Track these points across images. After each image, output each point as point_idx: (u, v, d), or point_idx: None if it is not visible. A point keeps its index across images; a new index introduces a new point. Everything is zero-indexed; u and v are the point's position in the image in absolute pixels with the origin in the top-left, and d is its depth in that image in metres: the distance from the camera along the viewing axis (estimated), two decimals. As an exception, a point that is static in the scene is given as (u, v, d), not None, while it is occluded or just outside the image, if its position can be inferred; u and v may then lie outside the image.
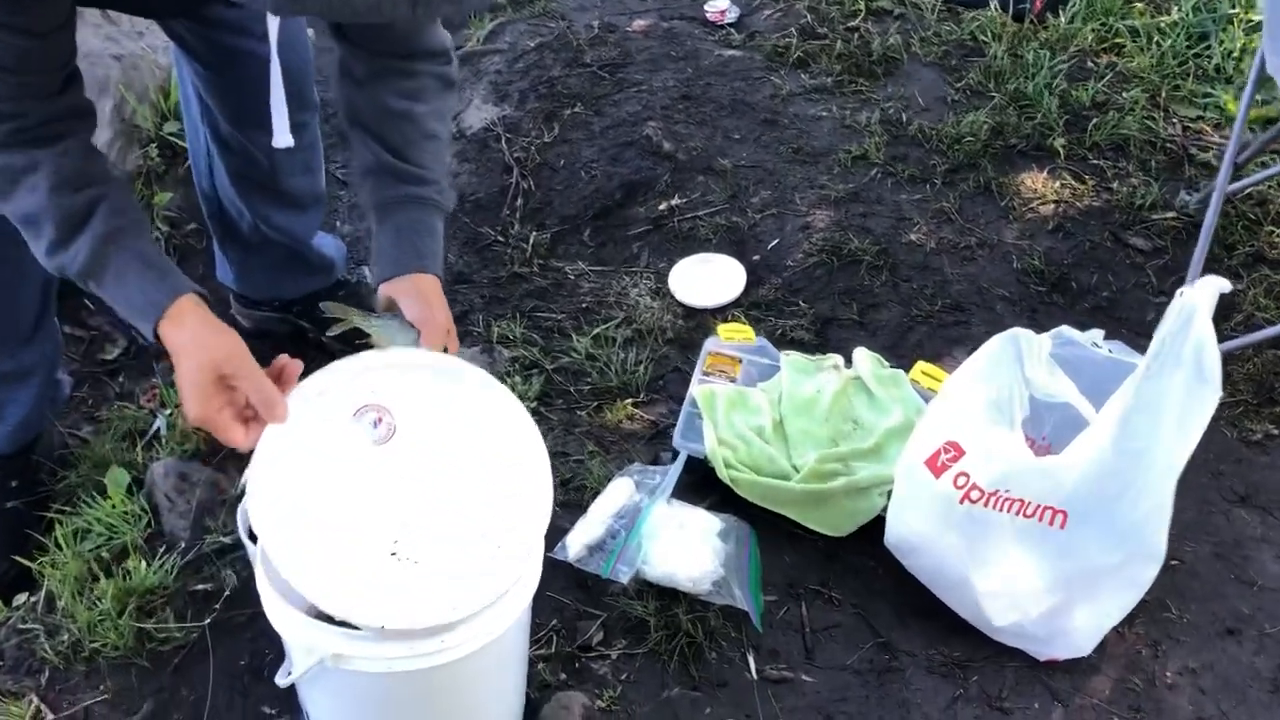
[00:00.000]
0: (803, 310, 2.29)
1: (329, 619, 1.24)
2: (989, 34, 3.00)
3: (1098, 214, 2.49)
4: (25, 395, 1.78)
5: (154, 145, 2.60)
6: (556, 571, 1.70)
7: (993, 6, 3.05)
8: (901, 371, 2.00)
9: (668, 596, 1.68)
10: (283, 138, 1.60)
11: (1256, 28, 2.87)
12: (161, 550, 1.72)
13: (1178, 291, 1.52)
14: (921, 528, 1.69)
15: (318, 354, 2.28)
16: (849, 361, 2.04)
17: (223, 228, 2.10)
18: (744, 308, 2.32)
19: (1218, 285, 1.51)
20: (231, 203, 2.04)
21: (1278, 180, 2.50)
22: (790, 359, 2.00)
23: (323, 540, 1.26)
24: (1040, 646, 1.68)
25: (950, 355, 2.17)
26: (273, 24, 1.43)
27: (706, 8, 3.20)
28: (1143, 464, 1.54)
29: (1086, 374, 1.76)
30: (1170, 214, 2.47)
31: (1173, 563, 1.79)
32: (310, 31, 2.22)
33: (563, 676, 1.60)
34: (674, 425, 2.01)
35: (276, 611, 1.30)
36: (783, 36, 3.07)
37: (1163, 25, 2.99)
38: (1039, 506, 1.62)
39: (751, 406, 1.92)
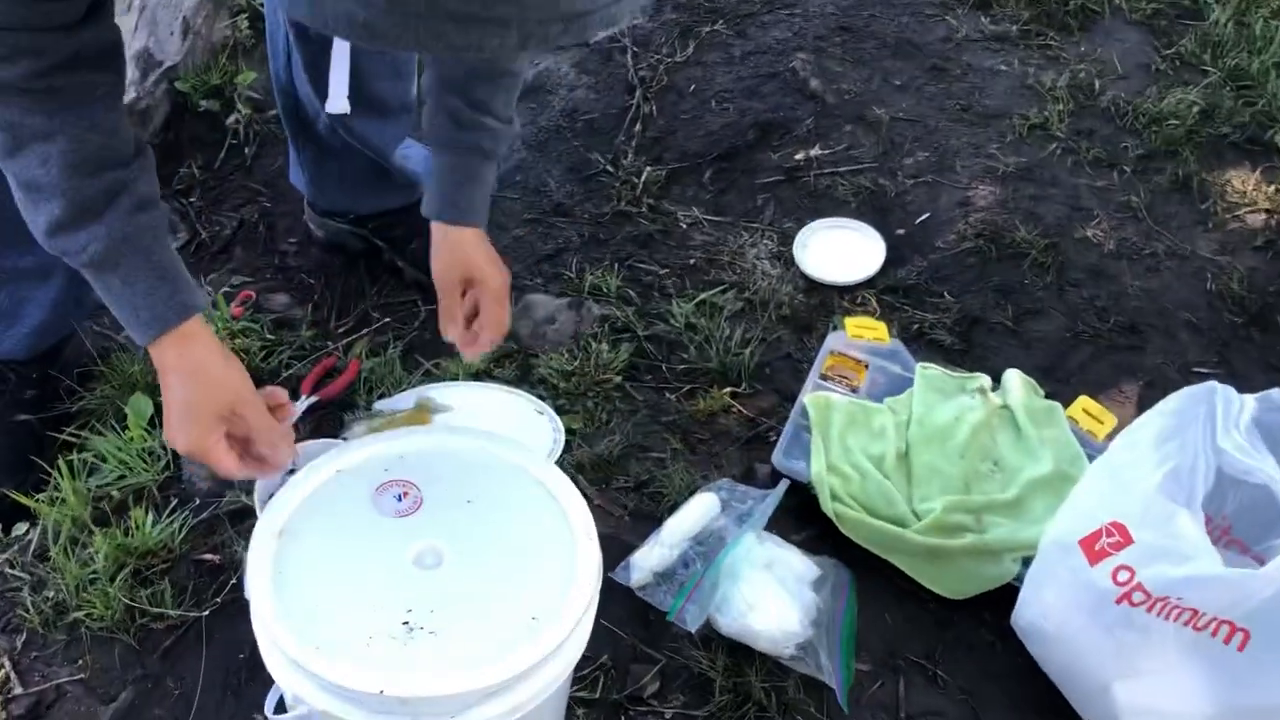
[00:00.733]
0: (947, 304, 1.95)
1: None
2: (1212, -6, 2.56)
3: (1319, 234, 2.09)
4: (44, 296, 1.56)
5: (244, 15, 2.34)
6: (614, 595, 1.45)
7: (1222, -39, 2.59)
8: (1059, 405, 1.66)
9: (740, 653, 1.41)
10: (339, 103, 1.44)
11: None
12: (174, 503, 1.51)
13: None
14: (1062, 617, 1.39)
15: (391, 278, 2.03)
16: (996, 382, 1.71)
17: (298, 125, 1.84)
18: (877, 290, 2.00)
19: None
20: (309, 100, 1.78)
21: None
22: (927, 373, 1.68)
23: (320, 603, 1.07)
24: (1185, 783, 1.38)
25: (1117, 388, 1.82)
26: None
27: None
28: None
29: (1294, 450, 1.42)
30: None
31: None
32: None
33: (605, 732, 1.35)
34: (775, 430, 1.72)
35: (262, 640, 1.07)
36: (966, -32, 2.65)
37: None
38: (1215, 620, 1.30)
39: (874, 428, 1.61)
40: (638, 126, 2.32)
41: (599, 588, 1.11)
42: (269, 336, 1.82)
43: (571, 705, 1.36)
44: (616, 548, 1.49)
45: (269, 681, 1.10)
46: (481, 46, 0.69)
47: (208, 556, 1.44)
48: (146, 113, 2.17)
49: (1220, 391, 1.43)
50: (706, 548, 1.47)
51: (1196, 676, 1.34)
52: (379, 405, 1.66)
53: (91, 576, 1.39)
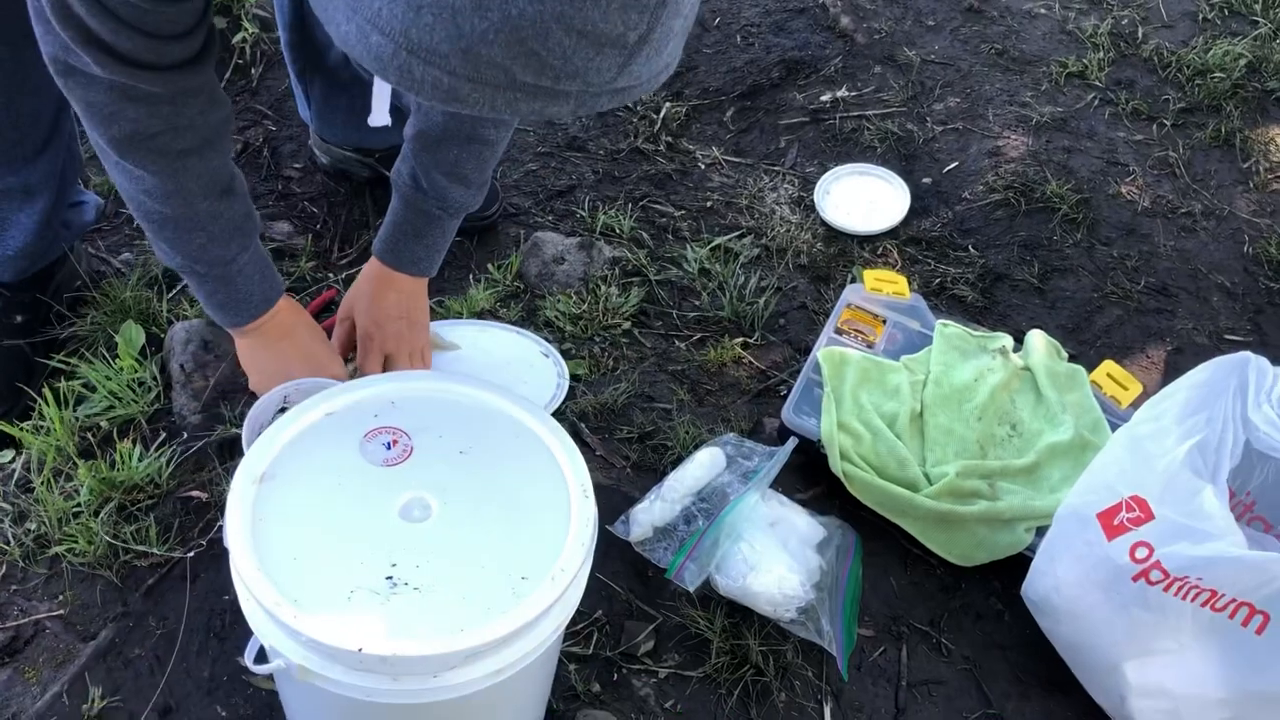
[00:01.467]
0: (971, 259, 1.88)
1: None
2: (1267, -61, 2.43)
3: (1363, 198, 1.99)
4: (28, 218, 1.50)
5: (253, -70, 2.25)
6: (612, 549, 1.41)
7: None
8: (1082, 369, 1.60)
9: (739, 613, 1.37)
10: (381, 116, 1.40)
11: None
12: (162, 436, 1.46)
13: None
14: (1074, 592, 1.34)
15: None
16: (1019, 343, 1.65)
17: (306, 59, 1.77)
18: (900, 241, 1.92)
19: None
20: (322, 29, 1.69)
21: None
22: (947, 331, 1.61)
23: (300, 554, 1.02)
24: (1192, 766, 1.34)
25: (1144, 352, 1.75)
26: None
27: None
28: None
29: (1326, 426, 1.36)
30: None
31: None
32: None
33: (596, 688, 1.31)
34: (786, 383, 1.66)
35: (240, 590, 1.03)
36: (1009, -96, 2.53)
37: None
38: (1234, 601, 1.25)
39: (889, 386, 1.55)
40: (658, 60, 2.23)
41: (593, 548, 1.07)
42: (268, 266, 1.76)
43: (563, 660, 1.32)
44: (616, 500, 1.44)
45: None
46: (543, 114, 0.77)
47: (195, 493, 1.40)
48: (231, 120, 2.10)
49: (1254, 362, 1.37)
50: (709, 505, 1.42)
51: (1211, 658, 1.29)
52: None
53: (75, 510, 1.35)
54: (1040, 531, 1.44)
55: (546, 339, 1.69)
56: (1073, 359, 1.65)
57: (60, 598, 1.31)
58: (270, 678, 1.24)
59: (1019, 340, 1.66)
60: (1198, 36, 2.25)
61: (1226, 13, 2.31)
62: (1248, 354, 1.36)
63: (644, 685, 1.32)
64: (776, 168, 2.07)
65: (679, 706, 1.31)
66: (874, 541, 1.48)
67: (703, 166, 2.07)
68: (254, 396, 1.51)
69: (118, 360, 1.53)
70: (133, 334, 1.55)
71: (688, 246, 1.87)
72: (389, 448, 1.12)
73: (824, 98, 2.14)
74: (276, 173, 2.02)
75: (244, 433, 1.32)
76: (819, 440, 1.49)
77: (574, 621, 1.35)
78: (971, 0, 2.31)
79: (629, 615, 1.38)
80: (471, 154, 1.40)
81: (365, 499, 1.08)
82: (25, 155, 1.44)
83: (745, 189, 2.02)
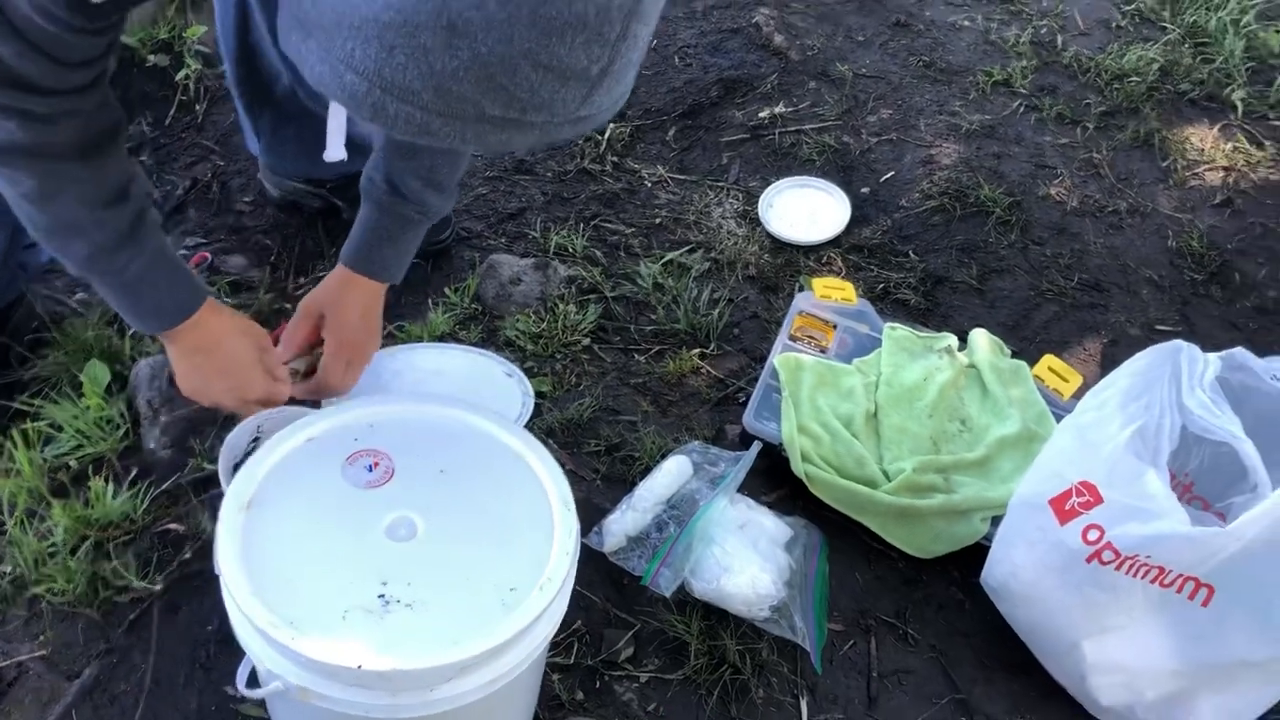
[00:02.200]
0: (912, 264, 1.95)
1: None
2: (1172, -51, 2.56)
3: (1275, 190, 2.10)
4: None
5: (192, -34, 2.26)
6: (587, 560, 1.44)
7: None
8: (1024, 364, 1.67)
9: (715, 615, 1.41)
10: (336, 151, 1.44)
11: None
12: (134, 472, 1.47)
13: None
14: (1031, 576, 1.40)
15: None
16: (963, 342, 1.72)
17: (254, 92, 1.78)
18: (843, 249, 1.99)
19: None
20: (270, 62, 1.72)
21: None
22: (895, 334, 1.68)
23: (293, 577, 1.04)
24: (1149, 736, 1.41)
25: (1081, 346, 1.84)
26: None
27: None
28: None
29: (1253, 407, 1.45)
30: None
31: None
32: None
33: (579, 695, 1.34)
34: (744, 391, 1.71)
35: (234, 615, 1.05)
36: (928, -78, 2.63)
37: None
38: (1180, 576, 1.32)
39: (843, 388, 1.61)
40: (599, 82, 2.28)
41: (577, 557, 1.10)
42: (227, 300, 1.77)
43: (547, 671, 1.35)
44: (589, 512, 1.48)
45: (239, 654, 1.08)
46: (509, 144, 0.81)
47: (171, 527, 1.41)
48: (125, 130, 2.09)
49: (1185, 350, 1.44)
50: (680, 511, 1.47)
51: (1162, 632, 1.36)
52: None
53: (51, 549, 1.36)
54: (995, 521, 1.50)
55: (508, 358, 1.72)
56: (1015, 355, 1.72)
57: (41, 638, 1.31)
58: (261, 703, 1.25)
59: (963, 340, 1.73)
60: (1113, 43, 2.36)
61: (1138, 20, 2.42)
62: (1179, 342, 1.44)
63: (626, 690, 1.36)
64: (720, 183, 2.12)
65: (661, 709, 1.35)
66: (838, 539, 1.53)
67: (649, 185, 2.12)
68: (226, 428, 1.53)
69: (83, 399, 1.53)
70: (97, 372, 1.56)
71: (641, 263, 1.92)
72: (371, 470, 1.15)
73: (762, 114, 2.20)
74: (228, 207, 2.03)
75: (220, 464, 1.34)
76: (780, 444, 1.54)
77: (555, 633, 1.38)
78: (899, 15, 2.39)
79: (607, 623, 1.41)
80: (446, 160, 1.41)
81: (352, 521, 1.10)
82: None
83: (692, 205, 2.07)
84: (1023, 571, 1.41)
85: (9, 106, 1.05)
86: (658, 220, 2.04)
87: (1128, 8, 2.44)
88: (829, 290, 1.74)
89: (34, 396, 1.57)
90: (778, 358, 1.62)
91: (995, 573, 1.45)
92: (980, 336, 1.69)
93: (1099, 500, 1.34)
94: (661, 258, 1.94)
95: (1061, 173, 2.10)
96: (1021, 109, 2.22)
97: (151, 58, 2.16)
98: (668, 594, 1.37)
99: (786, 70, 2.28)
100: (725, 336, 1.82)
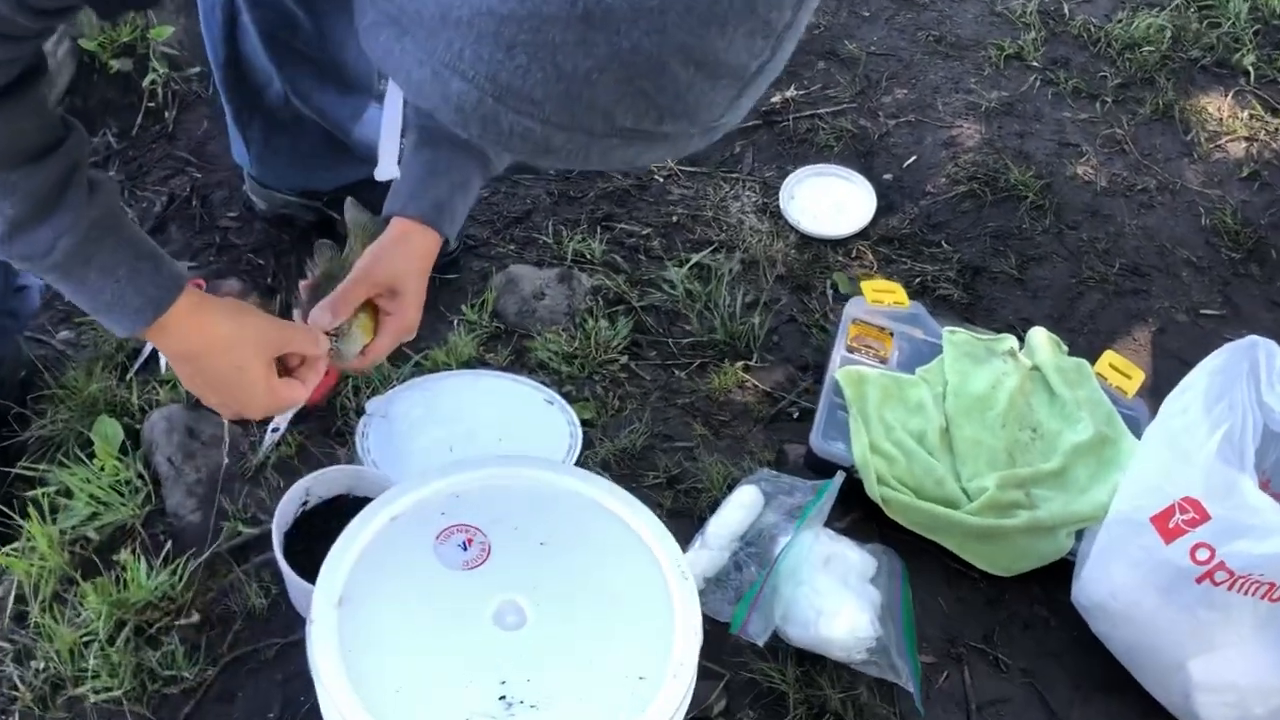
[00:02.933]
0: (946, 254, 1.88)
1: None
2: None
3: (1300, 159, 2.07)
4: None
5: (151, -40, 2.08)
6: (665, 605, 1.35)
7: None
8: (1086, 363, 1.61)
9: (809, 660, 1.33)
10: (389, 169, 1.20)
11: None
12: (166, 544, 1.34)
13: None
14: (1133, 597, 1.35)
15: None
16: (1021, 341, 1.65)
17: (243, 99, 1.63)
18: (872, 241, 1.91)
19: None
20: (260, 67, 1.57)
21: None
22: (955, 338, 1.61)
23: (403, 684, 0.95)
24: (1256, 752, 1.37)
25: (1129, 335, 1.78)
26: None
27: None
28: None
29: (1332, 401, 1.40)
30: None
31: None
32: None
33: (677, 758, 1.26)
34: (796, 405, 1.63)
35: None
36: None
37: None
38: (1289, 590, 1.28)
39: (910, 402, 1.53)
40: (597, 70, 2.16)
41: (701, 633, 1.02)
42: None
43: (639, 733, 1.26)
44: (660, 553, 1.38)
45: None
46: (634, 162, 0.70)
47: (217, 603, 1.29)
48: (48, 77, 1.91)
49: (1262, 346, 1.39)
50: (757, 548, 1.38)
51: (1273, 648, 1.32)
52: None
53: (86, 639, 1.23)
54: (1078, 534, 1.45)
55: (544, 383, 1.61)
56: (1069, 351, 1.66)
57: (88, 743, 1.19)
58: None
59: (1010, 330, 1.66)
60: (1119, 10, 2.30)
61: (1142, -17, 2.36)
62: (1255, 338, 1.39)
63: (724, 747, 1.28)
64: (734, 174, 2.02)
65: (764, 765, 1.27)
66: (914, 560, 1.46)
67: (660, 179, 2.01)
68: (256, 482, 1.40)
69: (95, 460, 1.39)
70: (108, 430, 1.42)
71: (666, 267, 1.82)
72: (465, 548, 1.05)
73: (773, 99, 2.10)
74: (211, 223, 1.88)
75: (274, 539, 1.22)
76: (851, 465, 1.46)
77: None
78: (900, -13, 2.30)
79: (697, 675, 1.33)
80: None
81: (455, 610, 1.00)
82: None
83: (708, 200, 1.97)
84: (1123, 592, 1.35)
85: None
86: (674, 219, 1.94)
87: (1128, -29, 2.38)
88: (880, 294, 1.65)
89: (37, 461, 1.42)
90: (839, 372, 1.54)
91: (1090, 592, 1.40)
92: (1040, 335, 1.63)
93: (1205, 517, 1.29)
94: (687, 260, 1.83)
95: (1086, 150, 2.04)
96: (1038, 84, 2.15)
97: (114, 63, 1.98)
98: (760, 642, 1.29)
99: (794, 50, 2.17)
100: (766, 345, 1.73)
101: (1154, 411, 1.50)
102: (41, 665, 1.22)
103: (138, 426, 1.46)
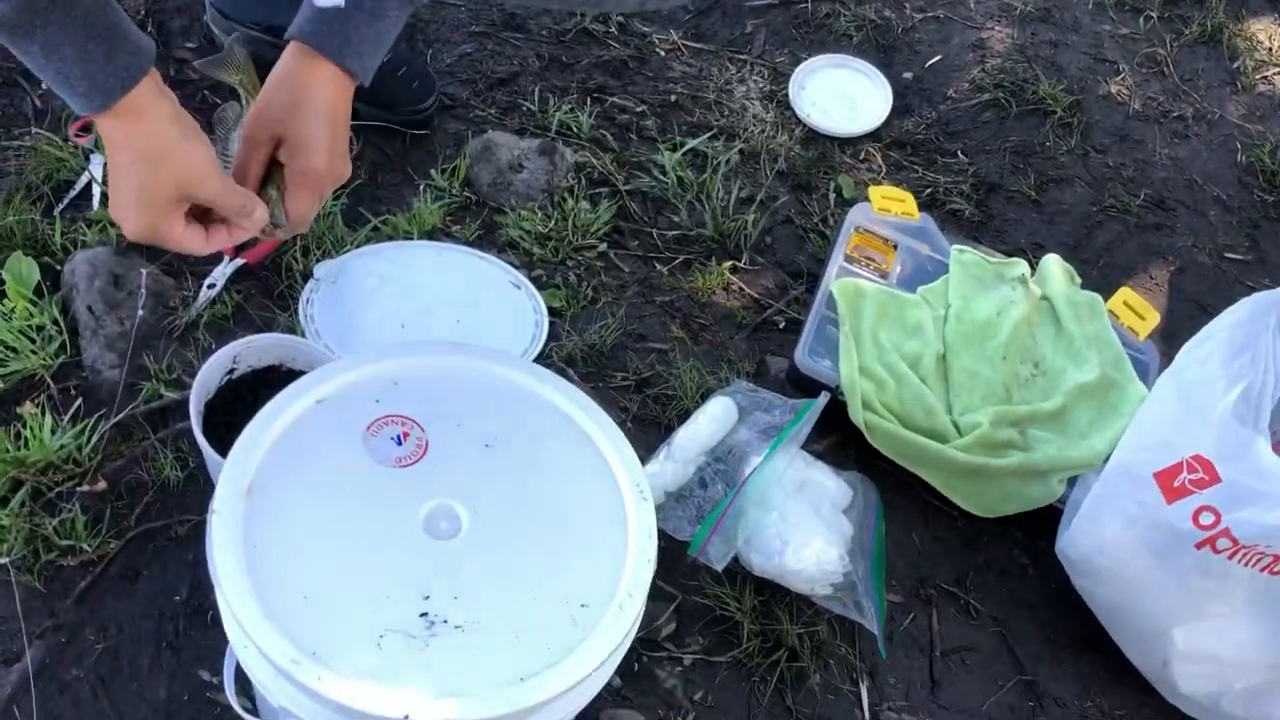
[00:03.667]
0: (961, 166, 1.73)
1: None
2: None
3: (1349, 100, 1.92)
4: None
5: None
6: (620, 518, 1.24)
7: None
8: (1099, 298, 1.49)
9: (769, 589, 1.23)
10: None
11: None
12: (75, 400, 1.21)
13: None
14: (1123, 555, 1.25)
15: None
16: (1033, 268, 1.52)
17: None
18: (883, 144, 1.76)
19: None
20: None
21: None
22: (964, 258, 1.48)
23: (312, 590, 0.83)
24: (1230, 727, 1.29)
25: (1147, 272, 1.66)
26: None
27: None
28: None
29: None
30: None
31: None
32: None
33: (617, 682, 1.17)
34: (783, 314, 1.51)
35: (236, 637, 0.83)
36: None
37: None
38: (1291, 563, 1.18)
39: (908, 323, 1.41)
40: (604, -74, 1.97)
41: (655, 561, 0.91)
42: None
43: (578, 653, 1.17)
44: (620, 461, 1.27)
45: (214, 631, 0.87)
46: None
47: (128, 474, 1.17)
48: None
49: (1291, 300, 1.28)
50: (726, 465, 1.27)
51: (1264, 623, 1.23)
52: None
53: (-23, 499, 1.11)
54: (1071, 481, 1.35)
55: (513, 264, 1.48)
56: (1080, 283, 1.54)
57: (-31, 612, 1.08)
58: (249, 694, 1.05)
59: (1021, 255, 1.54)
60: (1176, -82, 2.11)
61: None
62: (1282, 291, 1.28)
63: (669, 675, 1.18)
64: (743, 56, 1.86)
65: (709, 698, 1.18)
66: (891, 493, 1.36)
67: (661, 53, 1.84)
68: (185, 342, 1.27)
69: (5, 301, 1.25)
70: (23, 269, 1.28)
71: (658, 150, 1.67)
72: (399, 442, 0.93)
73: (793, -23, 1.92)
74: (167, 54, 1.70)
75: (191, 405, 1.09)
76: (836, 386, 1.35)
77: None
78: None
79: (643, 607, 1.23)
80: None
81: (380, 511, 0.89)
82: None
83: (711, 80, 1.81)
84: (1113, 548, 1.26)
85: None
86: (673, 98, 1.78)
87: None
88: (888, 202, 1.51)
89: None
90: (835, 284, 1.41)
91: (1078, 544, 1.30)
92: (1054, 264, 1.50)
93: (1215, 479, 1.18)
94: (681, 145, 1.68)
95: (1123, 69, 1.88)
96: (1078, -10, 1.98)
97: None
98: (719, 568, 1.18)
99: (819, -74, 1.99)
100: (758, 246, 1.59)
101: (1164, 357, 1.39)
102: (-75, 524, 1.10)
103: (58, 268, 1.32)
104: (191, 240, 0.96)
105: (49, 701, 1.04)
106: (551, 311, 1.43)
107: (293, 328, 1.32)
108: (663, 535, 1.24)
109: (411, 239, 1.49)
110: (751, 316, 1.50)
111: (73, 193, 1.43)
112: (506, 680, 0.81)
